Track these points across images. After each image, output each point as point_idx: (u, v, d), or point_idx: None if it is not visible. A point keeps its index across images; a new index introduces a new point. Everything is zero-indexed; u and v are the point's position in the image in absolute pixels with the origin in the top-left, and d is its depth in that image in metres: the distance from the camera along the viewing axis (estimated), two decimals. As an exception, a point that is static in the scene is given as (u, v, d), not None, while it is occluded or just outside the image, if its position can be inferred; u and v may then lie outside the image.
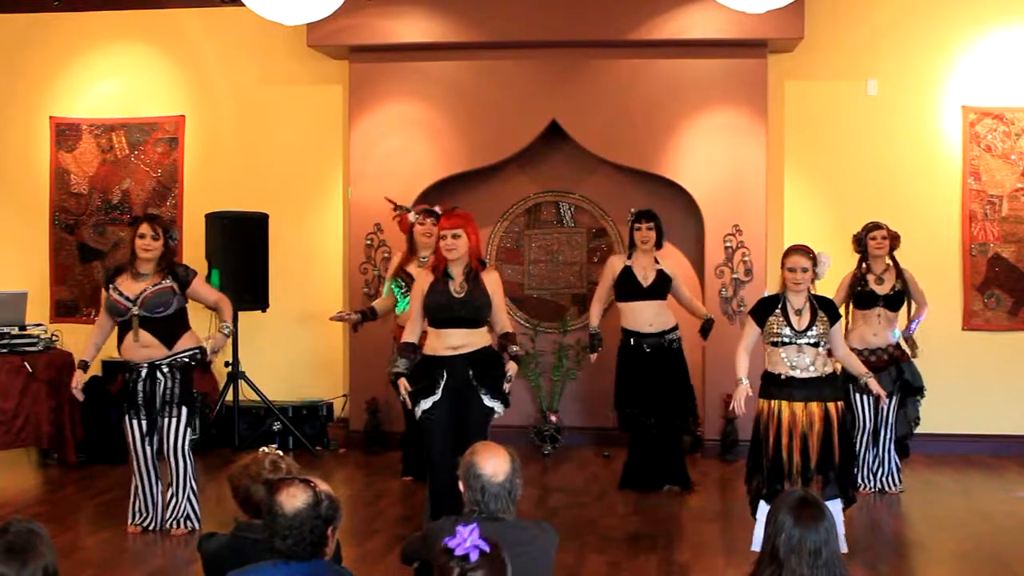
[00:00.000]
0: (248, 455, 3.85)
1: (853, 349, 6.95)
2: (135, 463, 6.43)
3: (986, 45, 8.99)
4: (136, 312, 6.30)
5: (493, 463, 3.65)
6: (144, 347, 6.34)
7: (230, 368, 8.93)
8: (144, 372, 6.34)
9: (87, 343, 6.57)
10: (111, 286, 6.39)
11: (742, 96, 8.90)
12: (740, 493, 7.75)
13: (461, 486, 3.70)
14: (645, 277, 7.48)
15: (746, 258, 8.90)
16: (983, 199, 8.99)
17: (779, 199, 9.16)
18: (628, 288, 7.51)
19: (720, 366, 8.56)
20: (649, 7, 8.78)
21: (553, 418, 9.07)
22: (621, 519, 6.94)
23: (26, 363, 8.07)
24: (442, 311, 5.86)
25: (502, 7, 8.90)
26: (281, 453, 3.82)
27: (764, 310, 6.00)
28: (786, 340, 5.86)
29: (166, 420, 6.36)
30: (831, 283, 6.89)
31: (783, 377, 5.88)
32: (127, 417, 6.38)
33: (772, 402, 5.91)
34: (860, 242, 7.53)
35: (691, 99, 8.97)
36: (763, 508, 5.83)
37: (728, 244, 8.92)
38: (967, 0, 9.02)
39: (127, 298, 6.32)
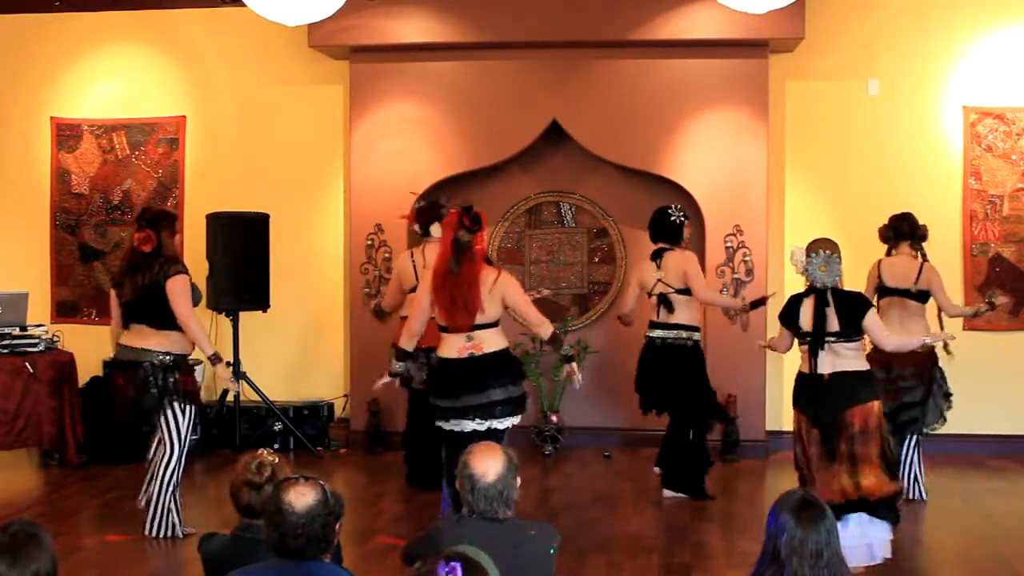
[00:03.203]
0: (247, 455, 3.87)
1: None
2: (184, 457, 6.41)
3: (987, 45, 8.99)
4: None
5: (484, 463, 3.66)
6: None
7: (231, 368, 8.92)
8: None
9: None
10: None
11: (743, 96, 8.90)
12: (741, 493, 7.80)
13: (457, 484, 3.72)
14: None
15: (747, 258, 8.90)
16: (984, 199, 8.99)
17: (780, 199, 9.16)
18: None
19: (721, 367, 8.57)
20: (650, 7, 8.78)
21: (554, 418, 9.07)
22: (622, 520, 6.94)
23: (27, 364, 8.07)
24: None
25: (503, 7, 8.90)
26: (275, 458, 3.82)
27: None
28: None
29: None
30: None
31: None
32: (188, 406, 6.36)
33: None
34: (924, 238, 7.38)
35: (692, 99, 8.97)
36: None
37: (729, 244, 8.92)
38: (968, 0, 9.02)
39: None
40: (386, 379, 6.30)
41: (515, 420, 5.95)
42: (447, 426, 5.94)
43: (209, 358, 6.43)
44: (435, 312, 5.98)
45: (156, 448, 6.36)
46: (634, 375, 7.59)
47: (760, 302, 7.70)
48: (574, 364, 6.37)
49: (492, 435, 5.74)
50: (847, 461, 5.65)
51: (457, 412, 5.88)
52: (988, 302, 7.40)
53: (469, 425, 5.88)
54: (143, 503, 6.40)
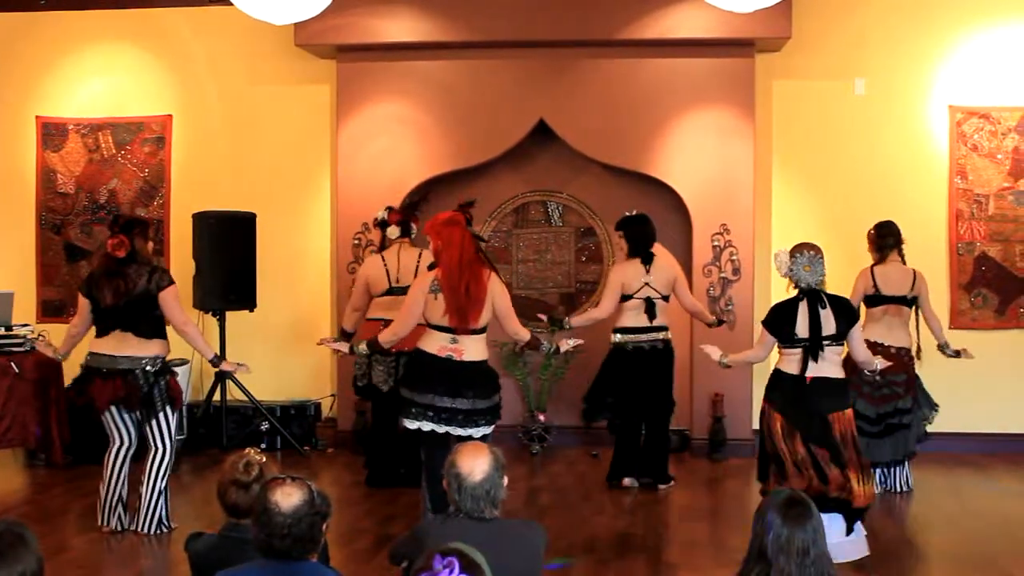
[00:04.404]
0: (234, 455, 3.86)
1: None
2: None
3: (972, 45, 9.02)
4: None
5: (470, 462, 3.67)
6: None
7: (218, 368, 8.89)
8: None
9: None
10: None
11: (730, 95, 8.91)
12: (728, 491, 7.82)
13: (444, 483, 3.72)
14: None
15: (734, 257, 8.91)
16: (970, 198, 9.02)
17: (767, 198, 9.18)
18: None
19: (708, 366, 8.56)
20: (637, 6, 8.79)
21: (541, 417, 9.07)
22: (609, 518, 6.94)
23: (13, 364, 8.02)
24: None
25: (490, 6, 8.90)
26: (262, 458, 3.81)
27: None
28: None
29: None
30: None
31: None
32: (175, 409, 6.46)
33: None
34: (903, 243, 7.56)
35: (679, 98, 8.98)
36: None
37: (716, 243, 8.93)
38: (954, 1, 9.05)
39: None
40: (344, 349, 6.55)
41: (486, 430, 5.99)
42: (412, 425, 5.94)
43: (210, 362, 6.63)
44: (428, 313, 5.98)
45: (118, 454, 6.38)
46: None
47: (720, 323, 8.09)
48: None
49: (466, 439, 5.74)
50: (842, 465, 5.72)
51: (421, 408, 5.89)
52: (955, 351, 7.67)
53: (428, 425, 5.89)
54: (111, 524, 6.40)
